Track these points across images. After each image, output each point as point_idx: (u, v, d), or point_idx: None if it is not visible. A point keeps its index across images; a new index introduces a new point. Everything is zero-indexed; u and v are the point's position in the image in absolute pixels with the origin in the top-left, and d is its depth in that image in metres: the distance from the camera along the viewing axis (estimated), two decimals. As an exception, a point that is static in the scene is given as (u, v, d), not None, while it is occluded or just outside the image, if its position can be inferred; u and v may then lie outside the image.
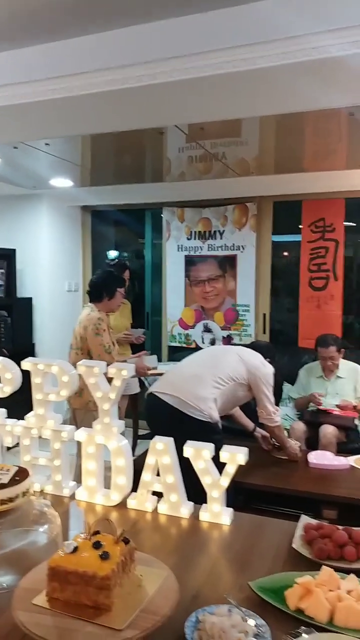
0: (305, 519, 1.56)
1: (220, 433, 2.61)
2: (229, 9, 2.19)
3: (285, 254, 4.97)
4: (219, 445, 1.69)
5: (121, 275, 3.87)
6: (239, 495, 2.72)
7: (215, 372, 2.68)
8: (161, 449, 1.70)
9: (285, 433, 3.09)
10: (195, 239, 4.77)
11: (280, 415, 4.00)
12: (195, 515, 1.69)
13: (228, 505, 1.70)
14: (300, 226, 4.42)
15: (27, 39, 2.34)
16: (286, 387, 4.14)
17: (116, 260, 4.28)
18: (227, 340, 4.70)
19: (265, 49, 2.26)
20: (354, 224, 4.50)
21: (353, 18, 2.07)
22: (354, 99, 2.43)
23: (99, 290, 3.24)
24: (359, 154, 3.57)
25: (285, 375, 4.17)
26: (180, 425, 2.49)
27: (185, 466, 1.69)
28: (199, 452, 1.67)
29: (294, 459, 3.01)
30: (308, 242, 4.36)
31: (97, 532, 1.20)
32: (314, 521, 1.54)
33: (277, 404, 4.08)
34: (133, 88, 2.34)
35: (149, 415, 2.80)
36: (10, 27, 2.25)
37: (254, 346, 3.06)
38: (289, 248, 4.86)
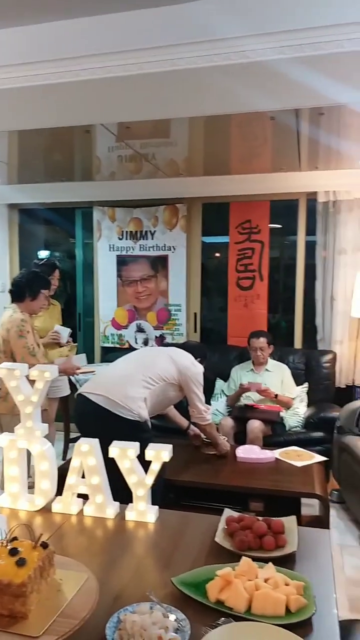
0: (228, 512, 1.60)
1: (149, 431, 2.62)
2: (160, 8, 2.20)
3: (216, 254, 5.06)
4: (147, 444, 1.70)
5: (50, 275, 3.78)
6: (170, 493, 2.75)
7: (146, 372, 2.68)
8: (86, 450, 1.68)
9: (216, 429, 3.15)
10: (126, 238, 4.75)
11: (212, 411, 4.10)
12: (121, 515, 1.69)
13: (158, 504, 1.71)
14: (228, 227, 4.52)
15: None
16: (218, 382, 4.23)
17: (45, 259, 4.17)
18: (160, 340, 4.72)
19: (193, 50, 2.29)
20: (280, 226, 4.66)
21: (279, 24, 2.13)
22: (277, 103, 2.50)
23: (21, 290, 3.12)
24: (282, 158, 3.71)
25: (216, 372, 4.26)
26: (109, 425, 2.47)
27: (113, 467, 1.68)
28: (124, 452, 1.66)
29: (223, 454, 3.07)
30: (235, 243, 4.47)
31: (14, 539, 1.17)
32: (236, 514, 1.58)
33: (209, 399, 4.18)
34: (57, 84, 2.30)
35: (78, 416, 2.76)
36: None
37: (184, 346, 3.09)
38: (219, 249, 4.96)
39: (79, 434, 3.73)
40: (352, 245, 4.11)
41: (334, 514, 3.26)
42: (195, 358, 2.91)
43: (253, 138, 3.30)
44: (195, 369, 2.84)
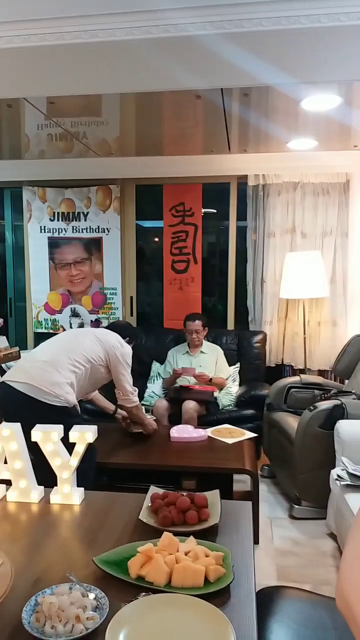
0: (153, 489, 1.61)
1: (78, 416, 2.58)
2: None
3: (156, 239, 5.03)
4: None
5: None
6: (103, 476, 2.73)
7: (71, 355, 2.62)
8: (7, 435, 1.64)
9: (143, 410, 3.14)
10: (58, 220, 4.62)
11: (147, 393, 4.12)
12: (46, 499, 1.66)
13: (91, 488, 1.69)
14: (162, 211, 4.50)
15: None
16: (155, 365, 4.24)
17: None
18: (96, 324, 4.65)
19: (123, 20, 2.23)
20: (214, 211, 4.69)
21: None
22: (203, 81, 2.49)
23: None
24: (212, 140, 3.72)
25: (153, 354, 4.27)
26: (36, 413, 2.38)
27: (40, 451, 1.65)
28: (47, 435, 1.63)
29: (150, 432, 3.08)
30: (170, 226, 4.46)
31: None
32: (161, 491, 1.60)
33: (145, 382, 4.19)
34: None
35: (2, 405, 2.65)
36: None
37: (112, 326, 3.06)
38: (154, 233, 4.93)
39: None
40: (281, 229, 4.22)
41: (265, 488, 3.38)
42: (124, 338, 2.89)
43: (184, 118, 3.28)
44: (123, 348, 2.81)
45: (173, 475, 2.83)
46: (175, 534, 1.32)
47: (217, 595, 1.14)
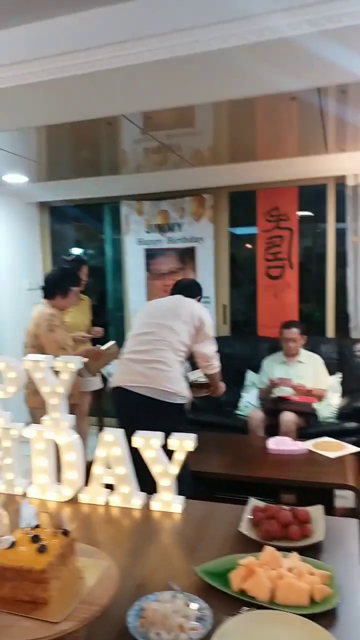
0: (253, 502, 1.58)
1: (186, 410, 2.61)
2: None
3: (248, 245, 5.00)
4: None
5: (78, 271, 3.83)
6: (201, 485, 2.73)
7: (174, 345, 2.57)
8: (111, 440, 1.69)
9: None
10: (154, 232, 4.75)
11: (242, 403, 4.07)
12: (147, 506, 1.69)
13: (189, 496, 1.70)
14: (256, 217, 4.45)
15: None
16: (249, 374, 4.19)
17: (73, 256, 4.22)
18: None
19: (211, 31, 2.25)
20: (311, 214, 4.56)
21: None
22: (299, 82, 2.43)
23: (52, 287, 3.19)
24: (308, 141, 3.62)
25: (247, 363, 4.22)
26: (156, 414, 2.40)
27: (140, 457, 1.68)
28: (148, 442, 1.66)
29: (218, 395, 3.05)
30: (264, 232, 4.40)
31: (37, 526, 1.18)
32: (262, 504, 1.56)
33: (239, 391, 4.15)
34: (73, 77, 2.31)
35: (121, 410, 2.59)
36: None
37: (186, 289, 2.91)
38: (247, 240, 4.90)
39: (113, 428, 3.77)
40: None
41: (371, 505, 3.18)
42: (195, 297, 2.86)
43: (278, 121, 3.23)
44: (206, 310, 2.76)
45: (270, 488, 2.76)
46: (277, 548, 1.28)
47: (323, 617, 1.08)
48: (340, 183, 4.12)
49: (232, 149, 3.94)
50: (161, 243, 4.74)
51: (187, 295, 2.81)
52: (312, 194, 4.42)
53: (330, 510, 2.86)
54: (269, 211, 4.35)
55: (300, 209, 4.33)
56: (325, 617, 1.08)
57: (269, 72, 2.38)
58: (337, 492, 2.83)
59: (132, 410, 2.51)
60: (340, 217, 4.20)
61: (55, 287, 3.18)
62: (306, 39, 2.20)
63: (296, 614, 1.07)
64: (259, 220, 4.41)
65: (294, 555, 1.24)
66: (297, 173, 4.10)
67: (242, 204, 4.62)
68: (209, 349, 2.77)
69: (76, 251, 5.60)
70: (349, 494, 2.86)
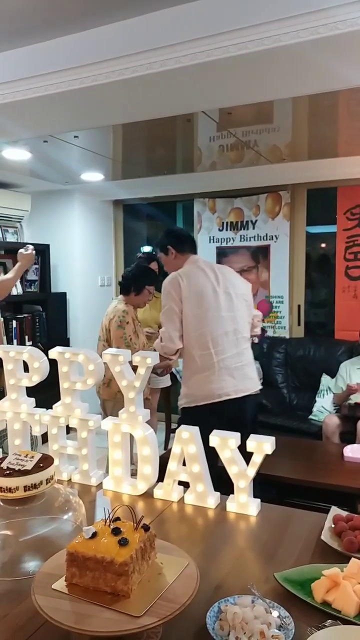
0: (335, 511, 1.50)
1: None
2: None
3: (322, 245, 4.84)
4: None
5: (148, 265, 3.89)
6: (272, 489, 2.67)
7: (249, 337, 2.62)
8: (187, 437, 1.67)
9: None
10: (226, 230, 4.71)
11: (316, 407, 3.94)
12: (222, 506, 1.66)
13: (257, 497, 1.66)
14: (335, 216, 4.29)
15: (48, 31, 2.34)
16: (324, 378, 4.06)
17: (146, 253, 4.28)
18: (262, 333, 4.61)
19: (289, 25, 2.18)
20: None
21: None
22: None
23: (128, 284, 3.25)
24: (395, 136, 3.44)
25: (322, 367, 4.09)
26: (256, 414, 2.56)
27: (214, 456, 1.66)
28: (225, 442, 1.63)
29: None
30: (344, 230, 4.23)
31: (117, 519, 1.18)
32: (344, 513, 1.48)
33: (314, 395, 4.02)
34: (157, 73, 2.31)
35: (234, 420, 2.26)
36: (33, 20, 2.26)
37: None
38: (324, 239, 4.74)
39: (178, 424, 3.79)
40: None
41: None
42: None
43: (361, 116, 3.09)
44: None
45: (345, 496, 2.65)
46: (363, 562, 1.21)
47: None
48: None
49: (311, 145, 3.82)
50: (233, 241, 4.69)
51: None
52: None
53: None
54: (350, 209, 4.18)
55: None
56: None
57: (345, 66, 2.28)
58: None
59: (246, 417, 2.47)
60: None
61: (130, 283, 3.24)
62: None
63: (388, 634, 0.99)
64: (339, 218, 4.25)
65: (383, 570, 1.16)
66: (381, 169, 3.91)
67: (320, 201, 4.48)
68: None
69: (147, 249, 5.67)
70: None
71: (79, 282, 5.09)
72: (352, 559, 1.19)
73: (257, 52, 2.26)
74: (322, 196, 4.43)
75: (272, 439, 1.62)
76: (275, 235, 4.47)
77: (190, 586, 1.05)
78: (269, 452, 1.59)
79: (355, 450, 2.94)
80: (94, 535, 1.10)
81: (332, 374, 3.95)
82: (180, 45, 2.24)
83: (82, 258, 5.09)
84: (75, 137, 3.33)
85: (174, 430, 4.26)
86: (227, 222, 4.68)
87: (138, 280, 3.27)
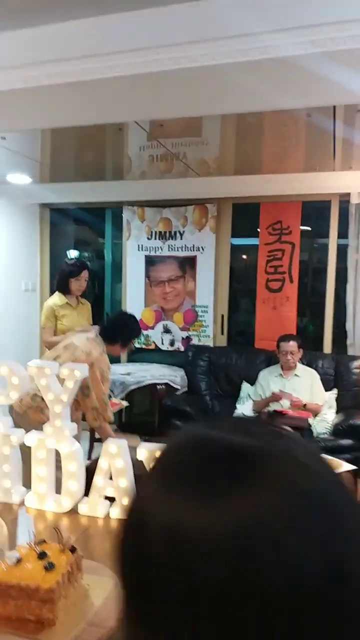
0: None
1: None
2: (189, 3, 2.17)
3: (244, 256, 5.00)
4: None
5: (78, 275, 3.83)
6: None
7: None
8: (114, 452, 1.66)
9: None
10: (155, 239, 4.73)
11: (236, 414, 4.05)
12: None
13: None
14: (258, 229, 4.46)
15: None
16: (245, 386, 4.18)
17: (75, 260, 4.19)
18: (187, 341, 4.69)
19: (223, 46, 2.26)
20: (309, 228, 4.57)
21: (309, 18, 2.08)
22: (309, 100, 2.44)
23: (116, 335, 2.81)
24: (315, 157, 3.64)
25: (243, 375, 4.21)
26: None
27: None
28: (152, 454, 1.63)
29: None
30: (265, 245, 4.40)
31: (43, 541, 1.15)
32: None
33: (234, 402, 4.14)
34: (91, 81, 2.29)
35: None
36: None
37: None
38: (247, 251, 4.90)
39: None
40: (386, 249, 4.01)
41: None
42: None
43: (286, 137, 3.24)
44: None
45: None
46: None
47: None
48: (344, 200, 4.13)
49: (238, 161, 3.95)
50: (162, 250, 4.72)
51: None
52: (313, 209, 4.44)
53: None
54: (272, 224, 4.36)
55: (303, 224, 4.34)
56: None
57: (271, 89, 2.39)
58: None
59: None
60: (343, 233, 4.22)
61: (118, 336, 2.82)
62: (310, 58, 2.20)
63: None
64: (262, 232, 4.41)
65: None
66: (302, 188, 4.11)
67: (245, 215, 4.63)
68: None
69: (73, 253, 5.57)
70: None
71: (1, 287, 4.89)
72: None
73: (191, 68, 2.32)
74: (247, 210, 4.58)
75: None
76: (202, 247, 4.56)
77: (117, 608, 1.04)
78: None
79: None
80: (19, 561, 1.07)
81: (252, 382, 4.08)
82: (117, 54, 2.24)
83: (5, 261, 4.90)
84: (1, 138, 3.21)
85: (98, 440, 4.20)
86: (155, 231, 4.71)
87: (129, 334, 2.92)
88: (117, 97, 2.50)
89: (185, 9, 2.18)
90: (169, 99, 2.59)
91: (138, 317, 4.80)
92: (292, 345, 3.80)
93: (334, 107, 2.57)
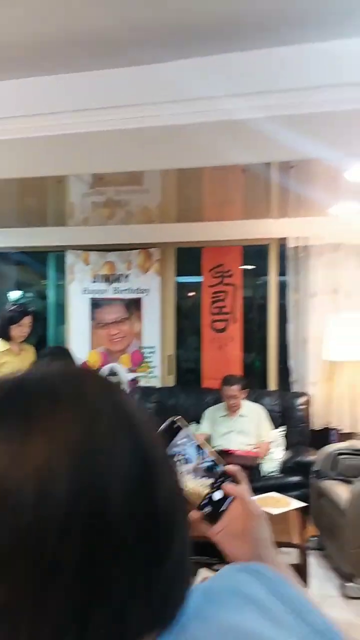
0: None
1: None
2: (136, 67, 2.26)
3: (190, 294, 5.10)
4: None
5: (20, 320, 3.77)
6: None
7: None
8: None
9: None
10: (100, 281, 4.75)
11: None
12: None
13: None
14: (201, 272, 4.58)
15: None
16: (193, 426, 4.20)
17: (16, 305, 4.13)
18: (134, 383, 4.68)
19: (169, 107, 2.37)
20: (252, 267, 4.74)
21: (256, 84, 2.22)
22: (252, 157, 2.59)
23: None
24: (253, 206, 3.83)
25: (192, 415, 4.23)
26: None
27: None
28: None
29: None
30: (209, 287, 4.53)
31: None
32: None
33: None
34: (35, 138, 2.33)
35: None
36: None
37: None
38: (193, 288, 5.01)
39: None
40: (322, 289, 4.22)
41: (313, 561, 3.22)
42: None
43: (226, 186, 3.40)
44: None
45: (215, 546, 2.73)
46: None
47: None
48: (282, 244, 4.34)
49: (179, 209, 4.08)
50: (107, 293, 4.74)
51: None
52: (255, 250, 4.62)
53: (276, 570, 2.88)
54: (214, 267, 4.50)
55: (246, 262, 4.51)
56: None
57: (221, 147, 2.53)
58: (280, 549, 2.85)
59: None
60: (282, 272, 4.41)
61: None
62: (258, 121, 2.36)
63: None
64: (205, 275, 4.54)
65: None
66: (242, 234, 4.29)
67: (188, 258, 4.75)
68: None
69: (15, 294, 5.47)
70: (292, 550, 2.89)
71: None
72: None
73: (131, 129, 2.41)
74: (191, 253, 4.70)
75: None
76: (147, 289, 4.62)
77: None
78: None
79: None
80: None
81: (200, 422, 4.11)
82: (58, 114, 2.29)
83: None
84: None
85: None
86: (100, 274, 4.73)
87: None
88: (61, 152, 2.55)
89: (133, 72, 2.27)
90: (113, 154, 2.67)
91: (83, 359, 4.81)
92: (235, 389, 3.82)
93: (268, 163, 2.73)
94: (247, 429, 3.82)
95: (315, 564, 3.20)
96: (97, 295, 4.77)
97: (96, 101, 2.27)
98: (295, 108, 2.19)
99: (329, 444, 3.68)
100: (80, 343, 4.84)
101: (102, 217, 4.21)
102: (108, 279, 4.72)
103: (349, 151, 2.49)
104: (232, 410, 3.88)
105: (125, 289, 4.68)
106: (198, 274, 4.61)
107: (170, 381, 4.71)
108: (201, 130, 2.38)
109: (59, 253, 4.95)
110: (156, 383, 4.64)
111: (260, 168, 2.89)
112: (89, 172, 2.91)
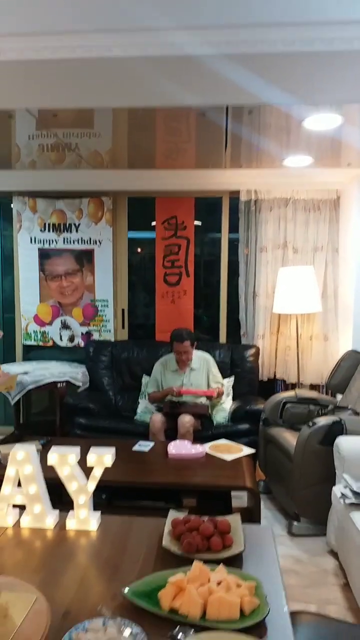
0: (173, 515, 1.59)
1: None
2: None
3: (140, 250, 5.01)
4: None
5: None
6: (102, 494, 2.69)
7: None
8: (22, 458, 1.59)
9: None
10: (49, 231, 4.56)
11: (140, 408, 4.08)
12: (61, 524, 1.62)
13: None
14: (154, 223, 4.49)
15: None
16: (145, 379, 4.21)
17: None
18: (87, 337, 4.60)
19: (120, 38, 2.22)
20: (199, 223, 4.69)
21: (210, 17, 2.11)
22: (208, 99, 2.49)
23: None
24: (209, 155, 3.74)
25: (145, 369, 4.23)
26: None
27: None
28: (63, 458, 1.59)
29: None
30: (162, 239, 4.46)
31: None
32: (181, 515, 1.57)
33: (137, 397, 4.15)
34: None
35: None
36: None
37: None
38: (145, 244, 4.92)
39: (3, 436, 3.56)
40: (272, 243, 4.26)
41: (262, 504, 3.36)
42: None
43: (179, 133, 3.29)
44: None
45: (172, 492, 2.80)
46: (203, 560, 1.30)
47: (254, 628, 1.12)
48: (234, 197, 4.30)
49: (131, 155, 3.93)
50: (57, 243, 4.57)
51: None
52: (207, 205, 4.57)
53: (228, 512, 2.99)
54: (167, 219, 4.42)
55: (197, 218, 4.45)
56: (256, 629, 1.12)
57: (172, 86, 2.41)
58: (233, 492, 2.95)
59: None
60: (234, 228, 4.40)
61: None
62: (213, 59, 2.25)
63: (230, 628, 1.09)
64: (158, 227, 4.46)
65: (221, 568, 1.27)
66: (195, 185, 4.22)
67: (141, 209, 4.63)
68: None
69: None
70: (243, 494, 3.00)
71: None
72: (194, 561, 1.28)
73: (86, 58, 2.25)
74: (143, 204, 4.59)
75: (112, 450, 1.64)
76: (99, 240, 4.49)
77: (41, 624, 1.01)
78: (109, 464, 1.61)
79: (178, 447, 3.11)
80: None
81: (152, 375, 4.12)
82: (8, 37, 2.10)
83: None
84: None
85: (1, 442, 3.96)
86: (49, 224, 4.54)
87: None
88: (9, 82, 2.36)
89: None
90: (63, 88, 2.50)
91: (33, 313, 4.67)
92: (186, 345, 3.78)
93: (227, 107, 2.65)
94: (198, 381, 3.85)
95: (263, 506, 3.34)
96: (46, 246, 4.59)
97: (40, 26, 2.09)
98: (251, 46, 2.10)
99: (276, 393, 3.80)
100: (29, 296, 4.68)
101: (50, 161, 4.00)
102: (58, 228, 4.55)
103: (310, 99, 2.46)
104: (183, 364, 3.87)
105: (76, 240, 4.53)
106: (150, 229, 4.52)
107: (124, 335, 4.67)
108: (149, 66, 2.25)
109: (5, 200, 4.70)
110: (110, 337, 4.59)
111: (217, 113, 2.80)
112: (35, 106, 2.72)
